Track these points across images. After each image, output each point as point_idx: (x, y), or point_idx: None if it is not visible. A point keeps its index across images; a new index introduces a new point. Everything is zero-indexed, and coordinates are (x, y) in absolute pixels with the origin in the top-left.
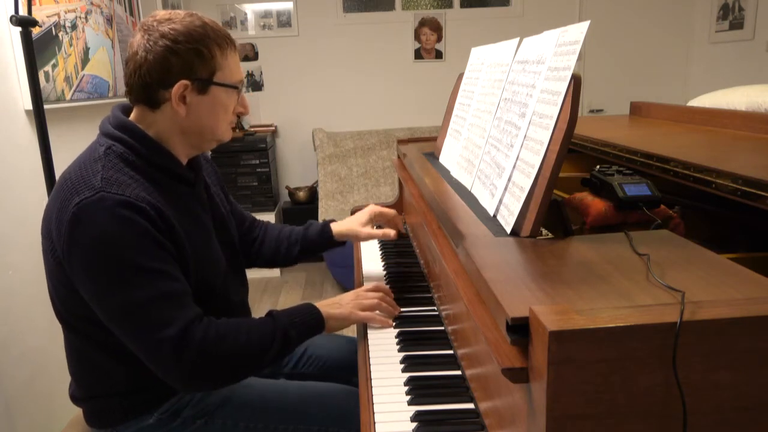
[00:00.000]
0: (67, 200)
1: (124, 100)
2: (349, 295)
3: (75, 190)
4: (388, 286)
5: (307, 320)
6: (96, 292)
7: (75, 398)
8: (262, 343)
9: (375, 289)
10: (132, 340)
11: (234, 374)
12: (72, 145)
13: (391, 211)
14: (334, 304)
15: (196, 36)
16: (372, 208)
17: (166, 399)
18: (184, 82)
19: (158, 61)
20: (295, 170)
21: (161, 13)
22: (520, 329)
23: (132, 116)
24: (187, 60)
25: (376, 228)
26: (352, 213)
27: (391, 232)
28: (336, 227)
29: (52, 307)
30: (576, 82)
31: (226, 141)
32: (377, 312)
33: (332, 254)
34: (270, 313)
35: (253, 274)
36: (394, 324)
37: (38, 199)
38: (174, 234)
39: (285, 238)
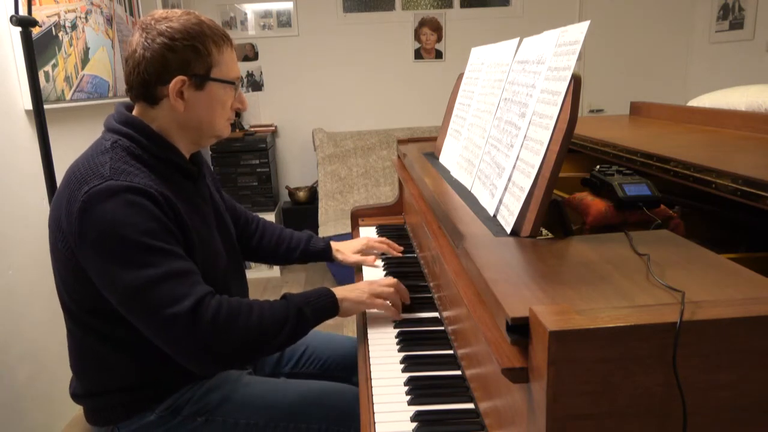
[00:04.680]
0: (76, 190)
1: (124, 99)
2: (364, 283)
3: (84, 179)
4: (399, 282)
5: (321, 301)
6: (108, 276)
7: (76, 396)
8: (276, 322)
9: (390, 282)
10: (144, 320)
11: (247, 352)
12: (72, 145)
13: (382, 245)
14: (348, 288)
15: (193, 33)
16: (366, 242)
17: (167, 396)
18: (181, 78)
19: (156, 58)
20: (295, 170)
21: (159, 12)
22: (520, 329)
23: (134, 113)
24: (183, 57)
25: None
26: (353, 217)
27: (369, 258)
28: (333, 245)
29: (58, 300)
30: (576, 82)
31: (225, 137)
32: (389, 302)
33: None
34: (284, 296)
35: (253, 274)
36: (403, 317)
37: (38, 199)
38: (180, 222)
39: (286, 240)
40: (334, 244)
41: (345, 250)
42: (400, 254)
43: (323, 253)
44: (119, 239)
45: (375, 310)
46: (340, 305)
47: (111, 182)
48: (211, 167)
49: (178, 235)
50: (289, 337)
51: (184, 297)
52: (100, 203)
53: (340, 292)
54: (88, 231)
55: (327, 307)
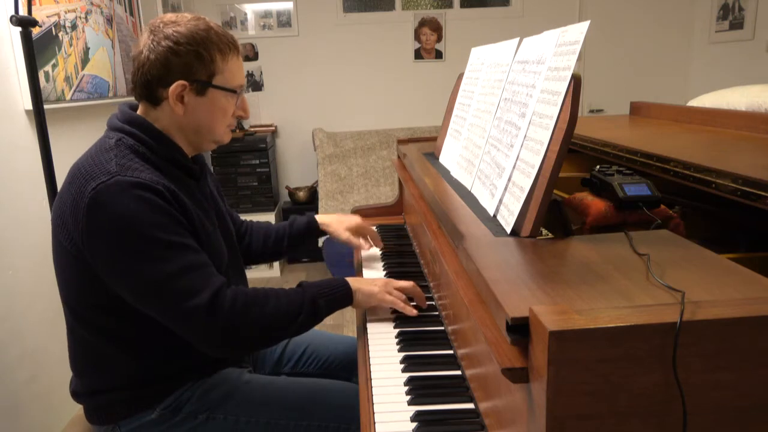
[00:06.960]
0: (82, 187)
1: (124, 99)
2: (381, 279)
3: (90, 176)
4: (420, 290)
5: (336, 291)
6: (123, 271)
7: (76, 394)
8: (290, 310)
9: (406, 285)
10: (163, 313)
11: (264, 339)
12: (72, 145)
13: (371, 230)
14: (364, 280)
15: (198, 39)
16: (358, 221)
17: (167, 394)
18: (182, 82)
19: (159, 60)
20: (295, 170)
21: (169, 16)
22: (520, 329)
23: (138, 113)
24: (186, 61)
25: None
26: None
27: (366, 245)
28: (320, 218)
29: (60, 298)
30: (576, 82)
31: (225, 143)
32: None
33: (332, 255)
34: (300, 284)
35: (253, 274)
36: (417, 312)
37: (38, 199)
38: (189, 216)
39: (272, 233)
40: (320, 217)
41: (336, 225)
42: (381, 249)
43: (308, 229)
44: (131, 235)
45: (382, 310)
46: (354, 296)
47: (119, 177)
48: (212, 169)
49: (187, 226)
50: (302, 325)
51: (201, 289)
52: (109, 199)
53: (355, 283)
54: (99, 228)
55: (341, 297)
